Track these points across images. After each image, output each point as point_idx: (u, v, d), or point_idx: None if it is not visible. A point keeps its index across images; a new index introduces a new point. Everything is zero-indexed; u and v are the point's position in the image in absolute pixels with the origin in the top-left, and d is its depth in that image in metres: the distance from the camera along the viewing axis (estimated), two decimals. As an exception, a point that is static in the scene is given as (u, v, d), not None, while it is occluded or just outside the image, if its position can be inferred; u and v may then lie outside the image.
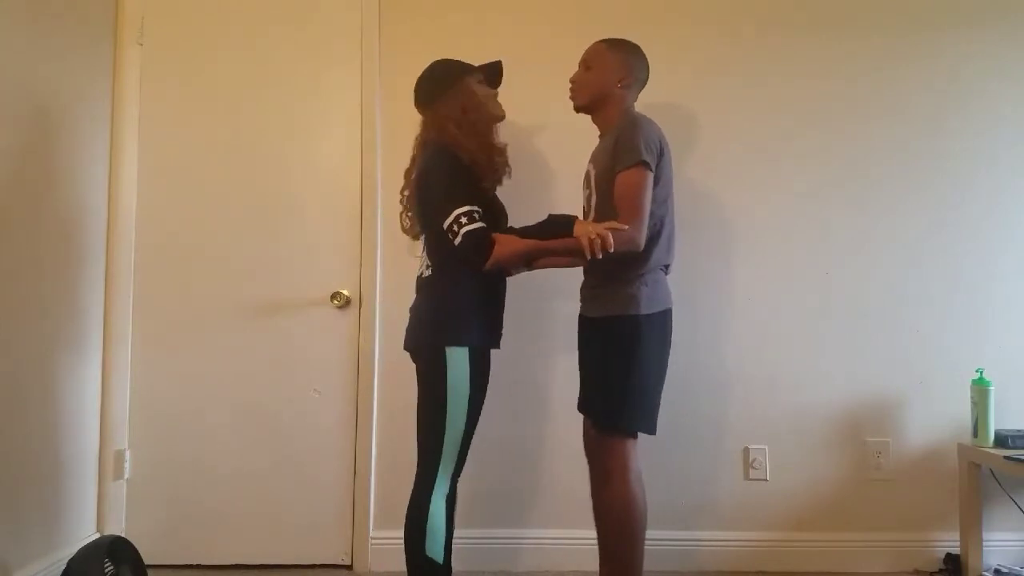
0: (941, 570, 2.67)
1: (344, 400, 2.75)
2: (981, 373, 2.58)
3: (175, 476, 2.74)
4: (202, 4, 2.84)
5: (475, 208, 1.97)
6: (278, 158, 2.80)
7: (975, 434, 2.58)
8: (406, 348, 2.10)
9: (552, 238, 2.00)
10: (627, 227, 1.92)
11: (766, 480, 2.73)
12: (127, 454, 2.73)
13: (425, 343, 2.04)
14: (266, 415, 2.74)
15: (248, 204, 2.79)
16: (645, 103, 2.24)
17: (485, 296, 2.08)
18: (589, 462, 2.16)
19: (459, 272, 2.03)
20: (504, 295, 2.17)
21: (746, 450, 2.74)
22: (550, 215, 2.07)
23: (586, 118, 2.24)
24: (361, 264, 2.76)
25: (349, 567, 2.72)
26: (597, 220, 2.08)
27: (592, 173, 2.16)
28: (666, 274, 2.15)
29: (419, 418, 2.04)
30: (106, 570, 2.07)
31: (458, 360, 1.98)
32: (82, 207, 2.61)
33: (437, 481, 1.98)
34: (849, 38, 2.80)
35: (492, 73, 2.24)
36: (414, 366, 2.05)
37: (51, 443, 2.44)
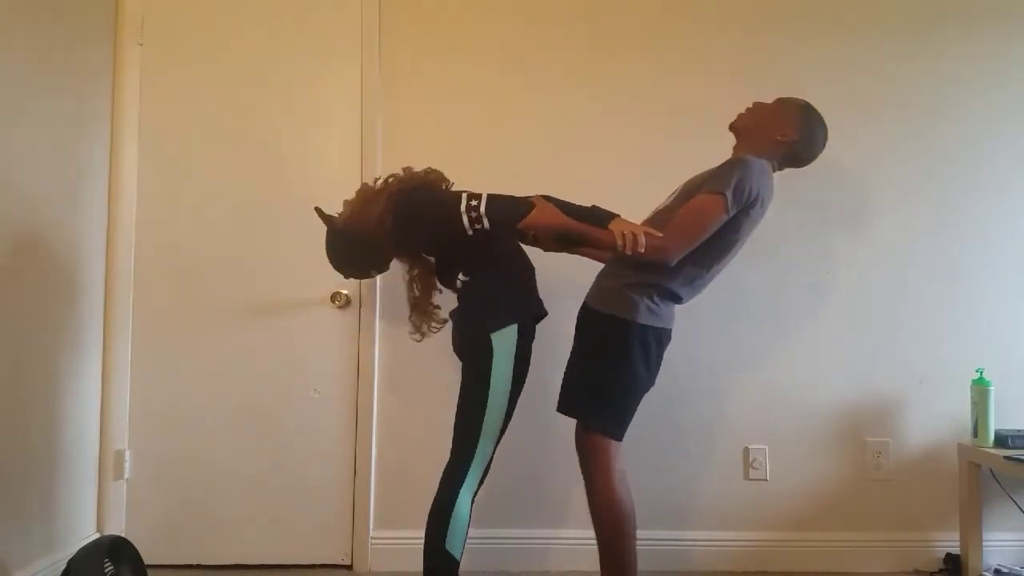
0: (941, 570, 2.67)
1: (344, 400, 2.75)
2: (981, 373, 2.58)
3: (175, 476, 2.74)
4: (202, 4, 2.84)
5: (470, 192, 2.00)
6: (278, 158, 2.80)
7: (975, 434, 2.58)
8: (454, 348, 2.12)
9: (587, 222, 2.02)
10: (660, 235, 1.94)
11: (766, 480, 2.73)
12: (127, 454, 2.73)
13: (471, 334, 2.05)
14: (266, 415, 2.74)
15: (248, 204, 2.79)
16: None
17: (519, 275, 2.12)
18: (580, 461, 2.15)
19: (490, 265, 2.08)
20: (533, 270, 2.19)
21: (746, 450, 2.74)
22: (595, 206, 2.07)
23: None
24: (361, 264, 2.76)
25: (349, 567, 2.71)
26: (653, 219, 2.09)
27: (683, 184, 2.16)
28: (675, 302, 2.12)
29: (460, 410, 2.04)
30: (106, 570, 2.07)
31: (505, 343, 2.00)
32: (82, 207, 2.61)
33: (468, 476, 1.99)
34: (848, 37, 2.80)
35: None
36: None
37: (51, 443, 2.44)
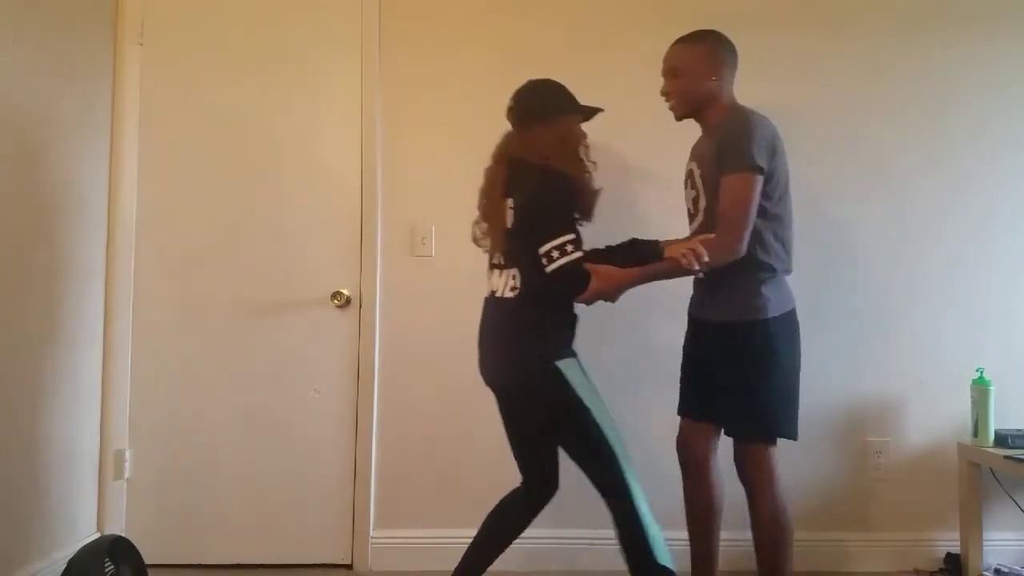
0: (941, 570, 2.67)
1: (344, 400, 2.75)
2: (981, 373, 2.58)
3: (175, 476, 2.74)
4: (202, 4, 2.84)
5: (574, 237, 1.88)
6: (278, 157, 2.80)
7: (975, 434, 2.58)
8: (493, 379, 2.02)
9: (638, 262, 1.96)
10: (712, 236, 1.90)
11: (766, 480, 2.73)
12: (127, 454, 2.73)
13: (530, 363, 1.93)
14: (266, 415, 2.74)
15: (248, 204, 2.79)
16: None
17: (571, 312, 2.01)
18: (683, 461, 2.16)
19: (551, 295, 1.95)
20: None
21: (746, 450, 2.74)
22: (633, 239, 2.02)
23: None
24: (361, 264, 2.76)
25: (349, 567, 2.71)
26: (706, 222, 2.04)
27: (697, 173, 2.10)
28: (787, 274, 2.10)
29: (570, 441, 1.95)
30: (106, 570, 2.07)
31: (574, 371, 1.91)
32: (82, 207, 2.61)
33: (630, 486, 1.91)
34: (847, 37, 2.80)
35: (589, 115, 2.12)
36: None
37: (51, 443, 2.44)
